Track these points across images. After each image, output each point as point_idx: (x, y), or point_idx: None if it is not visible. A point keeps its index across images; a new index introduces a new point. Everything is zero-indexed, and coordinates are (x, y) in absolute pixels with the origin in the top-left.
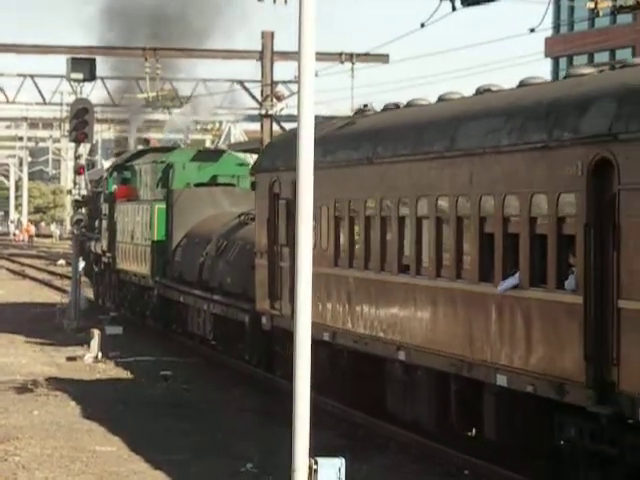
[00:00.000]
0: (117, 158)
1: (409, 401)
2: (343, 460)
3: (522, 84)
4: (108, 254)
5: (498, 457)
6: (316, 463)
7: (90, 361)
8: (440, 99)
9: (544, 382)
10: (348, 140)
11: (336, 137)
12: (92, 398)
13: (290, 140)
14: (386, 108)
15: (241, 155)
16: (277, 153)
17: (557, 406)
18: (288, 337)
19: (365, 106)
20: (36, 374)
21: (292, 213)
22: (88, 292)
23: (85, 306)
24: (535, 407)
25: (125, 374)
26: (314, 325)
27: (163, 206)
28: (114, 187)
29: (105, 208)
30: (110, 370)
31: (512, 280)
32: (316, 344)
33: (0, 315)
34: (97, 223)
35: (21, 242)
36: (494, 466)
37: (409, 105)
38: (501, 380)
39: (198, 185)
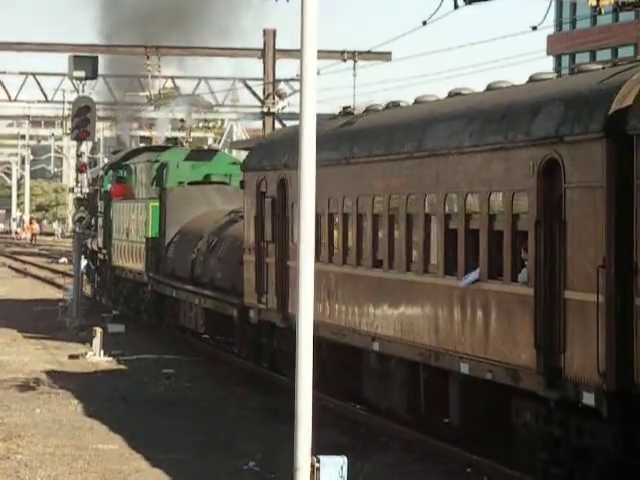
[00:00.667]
0: (112, 157)
1: (383, 390)
2: (345, 458)
3: (489, 88)
4: (104, 251)
5: (499, 456)
6: (318, 461)
7: (92, 359)
8: (416, 101)
9: (501, 369)
10: (328, 141)
11: (317, 138)
12: (94, 396)
13: (276, 140)
14: (367, 110)
15: (233, 154)
16: (264, 153)
17: (514, 392)
18: (274, 330)
19: (346, 108)
20: (38, 372)
21: (277, 211)
22: (86, 288)
23: (82, 302)
24: (494, 393)
25: (127, 372)
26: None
27: (157, 204)
28: (110, 185)
29: (101, 206)
30: (112, 368)
31: (474, 274)
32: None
33: (2, 313)
34: (93, 221)
35: (23, 240)
36: (496, 464)
37: (387, 107)
38: (464, 368)
39: (192, 183)
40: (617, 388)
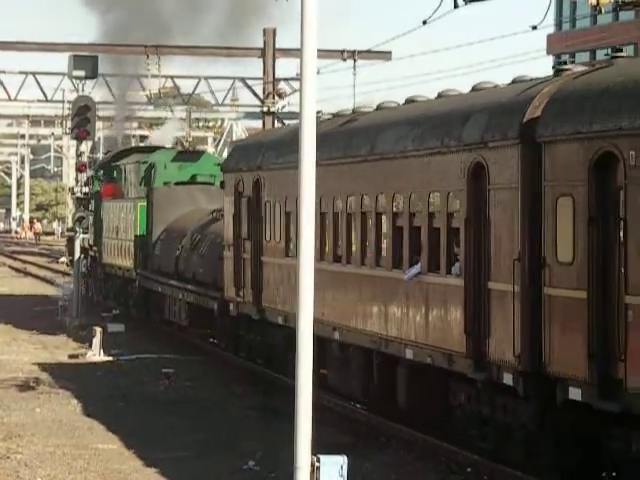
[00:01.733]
0: (103, 157)
1: (344, 376)
2: (345, 457)
3: (439, 95)
4: (95, 248)
5: (500, 455)
6: (318, 460)
7: (92, 359)
8: (377, 107)
9: (439, 354)
10: (297, 144)
11: (288, 141)
12: (94, 396)
13: (252, 143)
14: (336, 115)
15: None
16: (241, 155)
17: (450, 374)
18: (250, 322)
19: (318, 112)
20: (38, 371)
21: (252, 210)
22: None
23: (71, 299)
24: (434, 376)
25: (127, 372)
26: (270, 310)
27: (145, 203)
28: (100, 185)
29: (92, 205)
30: (112, 368)
31: (416, 268)
32: (272, 327)
33: (2, 312)
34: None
35: (23, 239)
36: (496, 463)
37: (354, 112)
38: (409, 354)
39: (178, 184)
40: (530, 369)
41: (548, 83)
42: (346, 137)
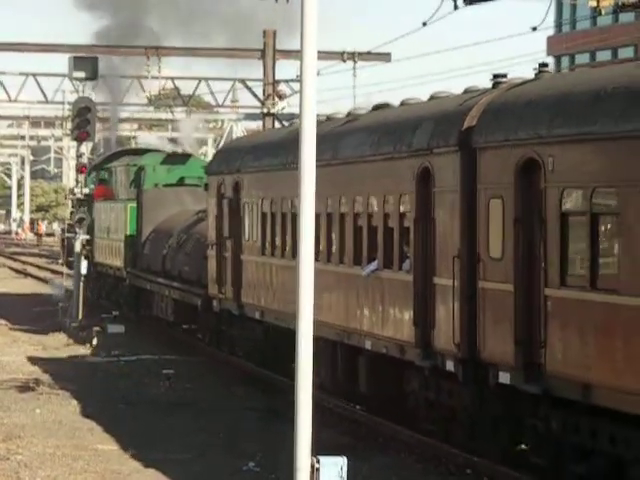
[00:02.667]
0: (95, 159)
1: (314, 366)
2: (345, 459)
3: (402, 104)
4: (87, 248)
5: (501, 457)
6: (318, 462)
7: (92, 360)
8: (348, 114)
9: (393, 344)
10: (271, 149)
11: (264, 146)
12: (94, 397)
13: (232, 147)
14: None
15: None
16: (223, 158)
17: (403, 363)
18: (231, 317)
19: (291, 118)
20: (38, 372)
21: (233, 210)
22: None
23: (64, 296)
24: (390, 365)
25: (127, 373)
26: (249, 306)
27: (135, 205)
28: (92, 187)
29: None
30: (112, 369)
31: (373, 265)
32: (251, 322)
33: (2, 313)
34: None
35: (23, 241)
36: (496, 465)
37: (328, 118)
38: (368, 344)
39: (167, 186)
40: (468, 356)
41: (487, 94)
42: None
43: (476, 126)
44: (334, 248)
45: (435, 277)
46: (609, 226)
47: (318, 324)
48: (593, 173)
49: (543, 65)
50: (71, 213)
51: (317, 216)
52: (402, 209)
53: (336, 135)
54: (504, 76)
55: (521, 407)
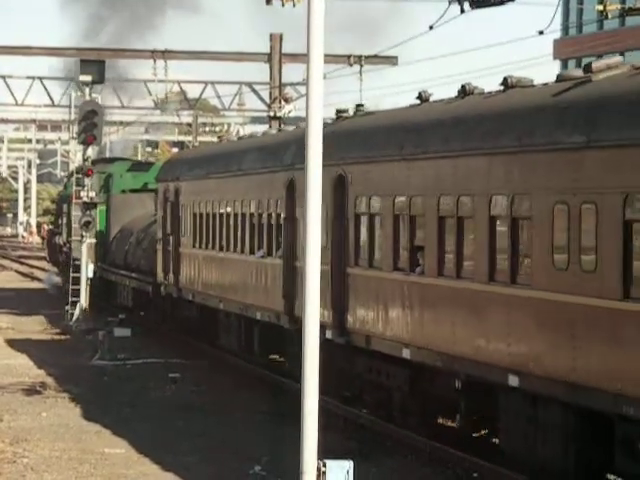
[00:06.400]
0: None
1: (228, 336)
2: (352, 463)
3: (297, 126)
4: (67, 244)
5: (506, 460)
6: (325, 465)
7: (98, 363)
8: (263, 133)
9: (272, 313)
10: (200, 161)
11: (197, 158)
12: (100, 400)
13: (176, 159)
14: (240, 137)
15: None
16: (168, 168)
17: (281, 328)
18: (173, 300)
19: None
20: (44, 376)
21: (174, 212)
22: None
23: (54, 290)
24: (276, 331)
25: (133, 376)
26: (185, 290)
27: (104, 208)
28: (71, 191)
29: (65, 208)
30: (118, 372)
31: (261, 252)
32: (187, 303)
33: (9, 317)
34: (60, 220)
35: (30, 244)
36: (502, 469)
37: (244, 137)
38: (258, 315)
39: (132, 191)
40: (339, 334)
41: (331, 123)
42: (226, 157)
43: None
44: (239, 241)
45: (296, 261)
46: (379, 223)
47: (227, 301)
48: (370, 185)
49: (359, 105)
50: (54, 215)
51: (236, 216)
52: (278, 211)
53: (242, 152)
54: (345, 111)
55: (341, 356)
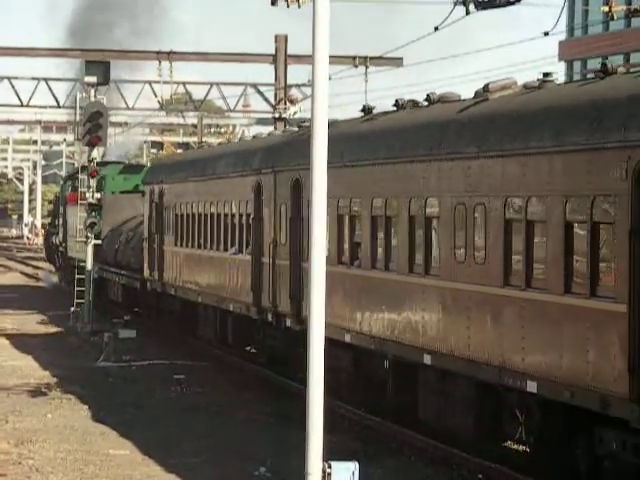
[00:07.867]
0: (75, 168)
1: (206, 328)
2: (357, 464)
3: (253, 137)
4: (63, 244)
5: (512, 462)
6: (330, 467)
7: (103, 364)
8: (240, 139)
9: (242, 305)
10: (181, 166)
11: (178, 163)
12: (105, 401)
13: (160, 163)
14: (219, 144)
15: None
16: (154, 172)
17: (250, 318)
18: (158, 295)
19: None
20: (49, 377)
21: (159, 212)
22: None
23: (51, 287)
24: (243, 321)
25: (138, 378)
26: (168, 285)
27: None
28: (67, 193)
29: (61, 209)
30: (123, 373)
31: (235, 249)
32: (170, 297)
33: (14, 319)
34: (56, 221)
35: (34, 245)
36: (507, 470)
37: (228, 142)
38: (230, 307)
39: (123, 192)
40: (273, 309)
41: (291, 134)
42: (203, 162)
43: (277, 156)
44: (210, 239)
45: (263, 257)
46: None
47: (205, 295)
48: None
49: (302, 123)
50: (51, 216)
51: (204, 215)
52: (248, 211)
53: (217, 157)
54: (304, 121)
55: (300, 342)
